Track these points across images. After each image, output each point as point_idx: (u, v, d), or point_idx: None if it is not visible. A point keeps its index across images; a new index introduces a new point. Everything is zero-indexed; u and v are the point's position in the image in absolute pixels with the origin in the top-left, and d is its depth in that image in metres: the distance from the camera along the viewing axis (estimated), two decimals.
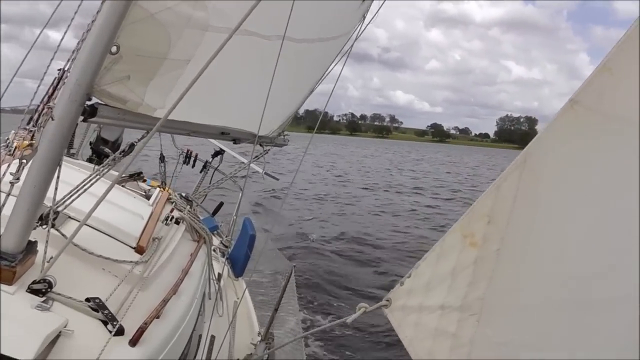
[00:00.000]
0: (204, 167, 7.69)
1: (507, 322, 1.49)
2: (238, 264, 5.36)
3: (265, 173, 7.75)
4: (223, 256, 5.14)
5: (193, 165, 7.83)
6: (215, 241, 5.20)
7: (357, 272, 12.69)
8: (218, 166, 7.61)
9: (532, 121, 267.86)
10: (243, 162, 6.84)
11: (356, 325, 8.35)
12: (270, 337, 4.22)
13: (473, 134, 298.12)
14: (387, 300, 1.80)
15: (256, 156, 4.63)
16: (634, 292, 1.27)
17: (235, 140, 3.55)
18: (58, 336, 1.70)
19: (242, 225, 5.65)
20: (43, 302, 1.82)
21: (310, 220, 18.99)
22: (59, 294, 1.89)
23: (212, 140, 6.88)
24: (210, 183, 7.59)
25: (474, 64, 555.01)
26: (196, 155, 7.82)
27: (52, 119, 1.76)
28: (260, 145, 4.20)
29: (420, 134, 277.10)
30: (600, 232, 1.35)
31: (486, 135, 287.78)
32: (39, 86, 2.03)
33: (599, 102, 1.34)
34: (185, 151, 7.85)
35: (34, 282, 1.84)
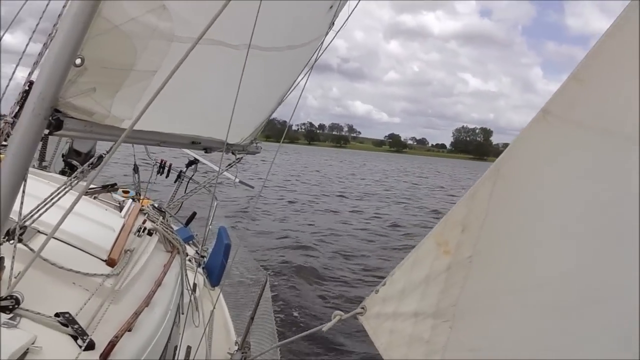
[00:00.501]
0: (178, 177, 7.65)
1: (479, 328, 1.50)
2: (214, 274, 5.33)
3: (239, 181, 7.74)
4: (199, 266, 5.11)
5: (167, 175, 7.79)
6: (191, 251, 5.17)
7: (333, 278, 12.71)
8: (192, 176, 7.58)
9: (487, 132, 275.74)
10: (217, 171, 6.82)
11: (332, 333, 8.35)
12: (246, 346, 4.19)
13: (430, 145, 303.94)
14: (362, 308, 1.80)
15: (229, 164, 4.62)
16: (605, 295, 1.29)
17: (207, 150, 3.54)
18: (26, 353, 1.68)
19: (217, 235, 5.62)
20: (10, 319, 1.79)
21: (286, 227, 18.96)
22: (26, 310, 1.86)
23: (186, 150, 6.85)
24: (185, 193, 7.55)
25: (432, 76, 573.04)
26: (170, 165, 7.78)
27: (10, 134, 1.73)
28: (233, 153, 4.19)
29: (378, 144, 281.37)
30: (571, 237, 1.37)
31: (443, 146, 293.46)
32: (2, 95, 2.01)
33: (569, 112, 1.36)
34: (160, 161, 7.80)
35: (0, 299, 1.82)
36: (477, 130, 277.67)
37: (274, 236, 17.25)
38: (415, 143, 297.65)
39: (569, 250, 1.38)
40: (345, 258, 15.29)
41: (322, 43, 3.70)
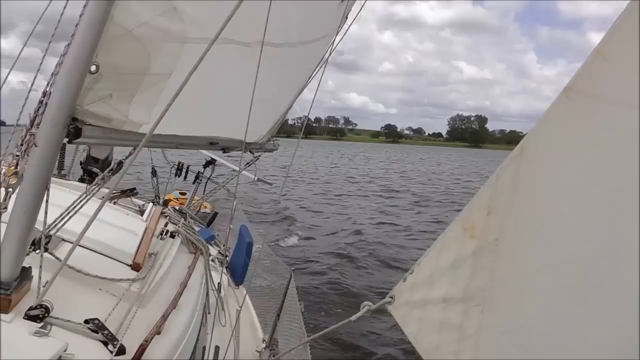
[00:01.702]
0: (197, 178, 7.69)
1: (511, 310, 1.49)
2: (237, 272, 5.34)
3: (258, 179, 7.76)
4: (222, 265, 5.13)
5: (185, 177, 7.83)
6: (213, 251, 5.19)
7: (359, 271, 12.68)
8: (210, 176, 7.61)
9: (482, 120, 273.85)
10: (235, 170, 6.84)
11: (362, 325, 8.33)
12: (274, 344, 4.20)
13: (427, 134, 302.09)
14: (391, 297, 1.79)
15: (247, 163, 4.62)
16: (637, 275, 1.27)
17: (225, 149, 3.55)
18: None
19: (239, 233, 5.63)
20: (41, 327, 1.80)
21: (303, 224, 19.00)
22: (56, 318, 1.88)
23: (203, 151, 6.88)
24: (204, 193, 7.59)
25: (427, 65, 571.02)
26: (188, 167, 7.83)
27: (36, 145, 1.74)
28: (250, 152, 4.19)
29: (374, 135, 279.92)
30: (600, 216, 1.35)
31: (439, 135, 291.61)
32: (23, 106, 2.02)
33: (593, 87, 1.33)
34: (177, 163, 7.85)
35: (30, 309, 1.83)
36: (472, 118, 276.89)
37: (298, 232, 17.29)
38: (412, 133, 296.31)
39: (598, 226, 1.36)
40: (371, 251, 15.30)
41: (335, 37, 3.68)
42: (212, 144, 3.24)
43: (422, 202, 28.03)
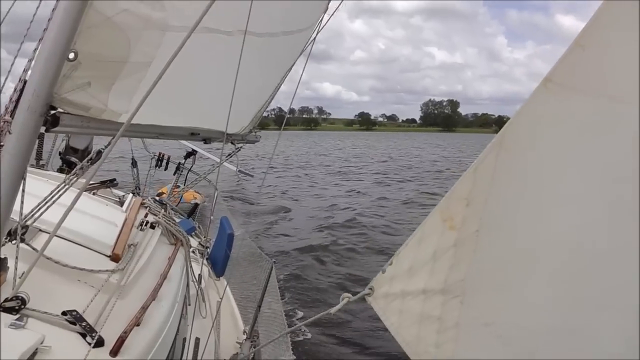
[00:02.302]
0: (177, 169, 7.64)
1: (492, 301, 1.50)
2: (218, 264, 5.33)
3: (239, 171, 7.73)
4: (202, 257, 5.11)
5: (165, 168, 7.78)
6: (194, 243, 5.16)
7: (338, 261, 12.72)
8: (191, 167, 7.57)
9: (454, 104, 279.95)
10: (216, 162, 6.81)
11: (341, 316, 8.37)
12: (255, 335, 4.20)
13: (400, 120, 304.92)
14: (370, 289, 1.79)
15: (229, 154, 4.59)
16: (616, 260, 1.28)
17: (206, 140, 3.51)
18: (35, 353, 1.67)
19: (220, 225, 5.62)
20: (17, 319, 1.78)
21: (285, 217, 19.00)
22: (33, 310, 1.85)
23: (184, 142, 6.83)
24: (184, 184, 7.54)
25: (398, 52, 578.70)
26: (168, 158, 7.77)
27: (10, 132, 1.70)
28: (232, 143, 4.15)
29: (348, 123, 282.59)
30: (577, 204, 1.36)
31: (413, 121, 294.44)
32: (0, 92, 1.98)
33: (571, 79, 1.34)
34: (157, 154, 7.79)
35: (5, 300, 1.80)
36: (444, 103, 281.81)
37: (277, 221, 17.29)
38: (385, 120, 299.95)
39: (576, 217, 1.37)
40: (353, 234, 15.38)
41: (317, 28, 3.65)
42: (193, 134, 3.20)
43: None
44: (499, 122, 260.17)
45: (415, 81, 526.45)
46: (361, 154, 64.96)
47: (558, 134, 1.40)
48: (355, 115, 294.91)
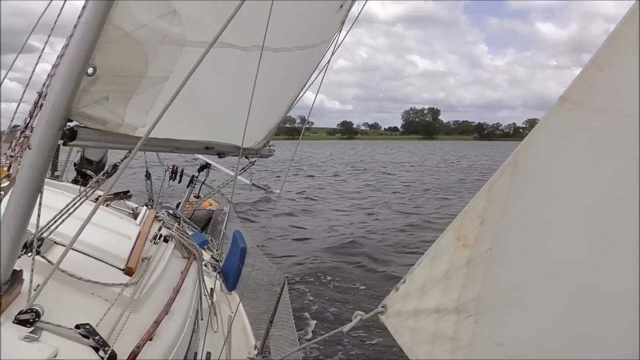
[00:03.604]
0: (191, 182, 7.68)
1: (504, 321, 1.48)
2: (230, 278, 5.33)
3: (253, 184, 7.75)
4: (215, 271, 5.11)
5: (179, 181, 7.82)
6: (206, 256, 5.16)
7: (353, 276, 12.64)
8: (205, 180, 7.60)
9: (434, 112, 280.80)
10: (230, 175, 6.83)
11: (354, 334, 8.30)
12: (267, 350, 4.18)
13: (383, 128, 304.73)
14: (383, 307, 1.78)
15: (242, 168, 4.61)
16: (631, 283, 1.26)
17: (220, 154, 3.53)
18: None
19: (232, 238, 5.62)
20: (31, 332, 1.78)
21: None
22: (47, 323, 1.85)
23: (199, 155, 6.86)
24: (198, 197, 7.56)
25: (381, 60, 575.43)
26: (182, 171, 7.82)
27: (30, 148, 1.72)
28: (246, 157, 4.17)
29: (331, 132, 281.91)
30: (593, 225, 1.34)
31: (395, 129, 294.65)
32: (17, 107, 2.00)
33: (588, 98, 1.33)
34: (171, 167, 7.84)
35: (20, 313, 1.80)
36: (425, 111, 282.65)
37: (291, 237, 17.26)
38: (368, 128, 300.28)
39: (592, 238, 1.35)
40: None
41: (333, 42, 3.67)
42: (207, 148, 3.22)
43: None
44: (479, 129, 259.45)
45: (397, 89, 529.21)
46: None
47: (574, 154, 1.39)
48: (338, 124, 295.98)
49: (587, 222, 1.36)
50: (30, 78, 2.05)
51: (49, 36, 2.01)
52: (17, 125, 1.92)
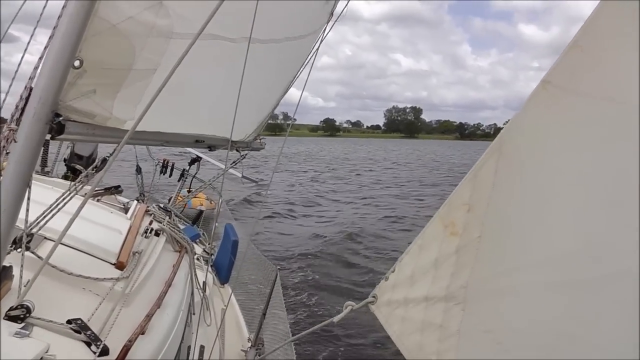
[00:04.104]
0: (182, 175, 7.65)
1: (493, 309, 1.48)
2: (223, 271, 5.32)
3: (244, 177, 7.73)
4: (207, 264, 5.10)
5: (170, 175, 7.79)
6: (198, 250, 5.15)
7: (341, 269, 12.69)
8: (195, 174, 7.57)
9: (417, 111, 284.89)
10: (221, 169, 6.81)
11: (345, 324, 8.34)
12: (260, 343, 4.18)
13: (365, 127, 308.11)
14: (373, 297, 1.78)
15: (233, 162, 4.59)
16: (618, 269, 1.26)
17: (211, 147, 3.51)
18: None
19: (224, 232, 5.61)
20: (22, 328, 1.77)
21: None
22: (38, 319, 1.84)
23: (189, 148, 6.83)
24: (188, 191, 7.54)
25: (365, 58, 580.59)
26: (173, 164, 7.78)
27: (15, 141, 1.70)
28: (237, 150, 4.15)
29: (313, 129, 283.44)
30: (580, 210, 1.35)
31: (377, 127, 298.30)
32: (4, 101, 1.98)
33: (571, 81, 1.33)
34: (162, 161, 7.81)
35: (11, 309, 1.80)
36: (407, 110, 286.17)
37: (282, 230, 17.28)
38: (350, 126, 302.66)
39: (579, 223, 1.35)
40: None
41: (322, 34, 3.65)
42: (198, 141, 3.20)
43: None
44: (460, 129, 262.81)
45: (381, 87, 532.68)
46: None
47: (558, 137, 1.39)
48: (321, 122, 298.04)
49: (574, 208, 1.36)
50: (16, 72, 2.03)
51: (35, 28, 1.99)
52: (3, 118, 1.90)
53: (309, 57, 3.78)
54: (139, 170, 7.37)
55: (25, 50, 2.00)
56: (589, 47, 1.30)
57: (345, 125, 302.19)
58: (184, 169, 7.65)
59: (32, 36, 1.98)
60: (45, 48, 1.74)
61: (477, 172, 1.51)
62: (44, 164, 6.37)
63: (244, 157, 4.43)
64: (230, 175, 7.95)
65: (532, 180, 1.44)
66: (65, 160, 6.56)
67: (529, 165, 1.44)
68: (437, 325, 1.57)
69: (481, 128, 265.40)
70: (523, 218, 1.45)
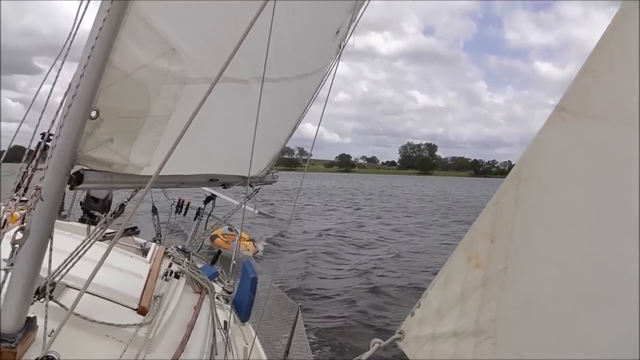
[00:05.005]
0: (197, 214, 7.67)
1: (522, 341, 1.46)
2: (243, 309, 5.27)
3: (259, 212, 7.73)
4: (227, 303, 5.07)
5: (184, 214, 7.81)
6: (217, 288, 5.13)
7: (367, 304, 12.47)
8: (211, 212, 7.58)
9: (432, 147, 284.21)
10: (235, 205, 6.81)
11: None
12: None
13: (380, 162, 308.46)
14: (400, 333, 1.76)
15: (247, 197, 4.60)
16: None
17: (225, 185, 3.53)
18: None
19: (242, 269, 5.58)
20: None
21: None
22: None
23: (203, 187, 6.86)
24: (205, 229, 7.55)
25: (382, 95, 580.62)
26: (188, 204, 7.81)
27: (42, 199, 1.72)
28: (250, 185, 4.17)
29: (329, 165, 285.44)
30: (604, 233, 1.33)
31: (393, 163, 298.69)
32: (29, 147, 2.00)
33: (584, 105, 1.33)
34: (177, 200, 7.84)
35: None
36: (422, 146, 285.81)
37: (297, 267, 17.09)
38: (366, 162, 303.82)
39: (603, 245, 1.34)
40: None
41: (330, 69, 3.69)
42: (212, 180, 3.22)
43: None
44: (475, 166, 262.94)
45: (397, 124, 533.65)
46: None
47: (575, 162, 1.38)
48: (336, 157, 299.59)
49: (597, 229, 1.35)
50: (40, 118, 2.06)
51: (56, 77, 2.03)
52: (18, 146, 1.93)
53: (317, 91, 3.81)
54: (155, 211, 7.40)
55: (47, 101, 2.03)
56: (601, 71, 1.30)
57: (360, 160, 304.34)
58: (199, 208, 7.68)
59: (51, 91, 2.02)
60: (62, 102, 1.77)
61: (498, 200, 1.51)
62: (60, 208, 6.42)
63: (257, 192, 4.44)
64: (245, 212, 7.95)
65: (553, 205, 1.43)
66: (81, 203, 6.62)
67: (549, 191, 1.43)
68: None
69: (496, 165, 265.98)
70: (547, 246, 1.44)
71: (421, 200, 57.20)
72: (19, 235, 1.71)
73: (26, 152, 1.94)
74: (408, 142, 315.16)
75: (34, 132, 2.04)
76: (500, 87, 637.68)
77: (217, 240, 13.41)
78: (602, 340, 1.33)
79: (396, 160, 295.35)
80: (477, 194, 71.14)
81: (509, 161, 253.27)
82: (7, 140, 2.18)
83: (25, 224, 1.74)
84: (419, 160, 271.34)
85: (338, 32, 3.51)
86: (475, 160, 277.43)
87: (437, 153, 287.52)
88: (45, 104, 2.02)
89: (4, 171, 2.10)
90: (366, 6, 3.39)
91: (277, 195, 41.57)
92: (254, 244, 15.19)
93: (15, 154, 2.15)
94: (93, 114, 1.83)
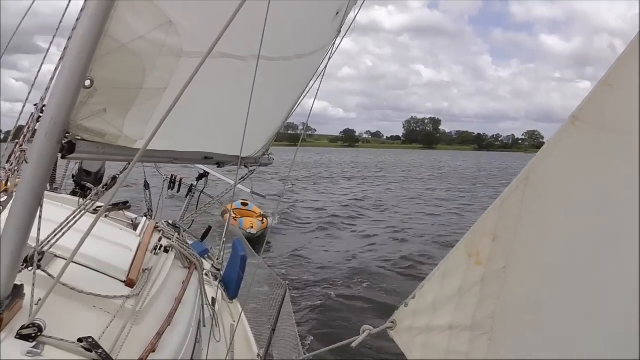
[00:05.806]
0: (189, 191, 7.65)
1: (519, 339, 1.47)
2: (231, 286, 5.30)
3: (252, 192, 7.73)
4: (216, 279, 5.09)
5: (178, 190, 7.79)
6: (207, 265, 5.15)
7: (357, 289, 12.53)
8: (203, 189, 7.57)
9: (436, 122, 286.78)
10: (230, 184, 6.81)
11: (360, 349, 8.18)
12: (269, 359, 4.16)
13: (385, 137, 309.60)
14: (392, 322, 1.77)
15: (242, 177, 4.59)
16: None
17: (219, 164, 3.52)
18: None
19: (232, 247, 5.60)
20: (34, 347, 1.77)
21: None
22: (49, 337, 1.84)
23: (197, 164, 6.84)
24: (197, 207, 7.54)
25: (386, 69, 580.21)
26: (181, 180, 7.79)
27: (26, 162, 1.71)
28: (245, 166, 4.16)
29: (333, 140, 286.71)
30: (608, 244, 1.34)
31: (397, 138, 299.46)
32: (23, 108, 1.99)
33: (599, 117, 1.34)
34: (170, 176, 7.82)
35: (22, 328, 1.79)
36: (426, 121, 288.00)
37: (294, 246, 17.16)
38: (370, 137, 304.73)
39: (606, 254, 1.35)
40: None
41: (331, 49, 3.67)
42: (206, 158, 3.21)
43: None
44: (478, 140, 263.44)
45: (402, 98, 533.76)
46: None
47: (586, 172, 1.39)
48: (341, 132, 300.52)
49: (600, 242, 1.36)
50: (29, 92, 2.05)
51: (47, 50, 2.01)
52: (23, 126, 1.92)
53: (316, 77, 3.79)
54: (147, 186, 7.38)
55: (38, 71, 2.02)
56: (619, 84, 1.31)
57: (365, 135, 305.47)
58: (191, 185, 7.66)
59: (43, 61, 2.00)
60: (56, 69, 1.76)
61: (504, 201, 1.52)
62: (52, 180, 6.40)
63: (252, 173, 4.43)
64: (240, 191, 7.94)
65: (559, 212, 1.44)
66: (73, 176, 6.58)
67: (556, 198, 1.45)
68: (462, 354, 1.56)
69: (500, 139, 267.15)
70: (550, 250, 1.45)
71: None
72: (3, 197, 1.70)
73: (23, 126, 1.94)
74: (412, 117, 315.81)
75: (25, 102, 2.03)
76: (505, 60, 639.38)
77: (225, 217, 13.44)
78: (599, 342, 1.35)
79: (400, 135, 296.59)
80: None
81: (512, 135, 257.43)
82: (10, 120, 2.16)
83: (8, 187, 1.73)
84: (423, 135, 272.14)
85: (337, 13, 3.48)
86: (479, 134, 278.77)
87: (442, 127, 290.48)
88: (50, 83, 2.01)
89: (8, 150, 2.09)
90: None
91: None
92: (262, 221, 14.96)
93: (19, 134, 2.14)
94: (87, 82, 1.81)
